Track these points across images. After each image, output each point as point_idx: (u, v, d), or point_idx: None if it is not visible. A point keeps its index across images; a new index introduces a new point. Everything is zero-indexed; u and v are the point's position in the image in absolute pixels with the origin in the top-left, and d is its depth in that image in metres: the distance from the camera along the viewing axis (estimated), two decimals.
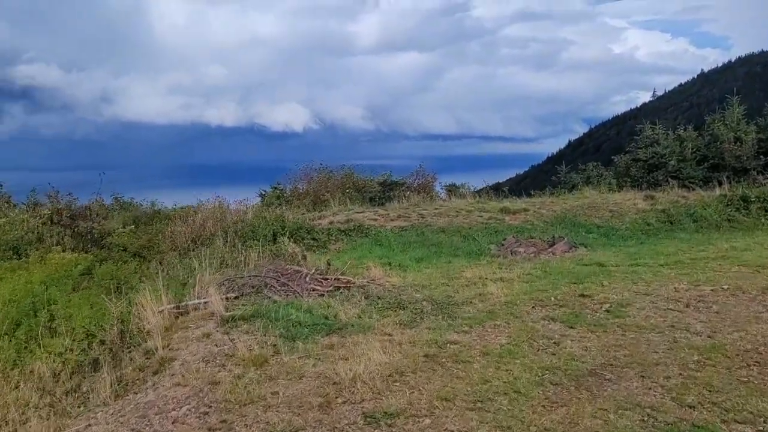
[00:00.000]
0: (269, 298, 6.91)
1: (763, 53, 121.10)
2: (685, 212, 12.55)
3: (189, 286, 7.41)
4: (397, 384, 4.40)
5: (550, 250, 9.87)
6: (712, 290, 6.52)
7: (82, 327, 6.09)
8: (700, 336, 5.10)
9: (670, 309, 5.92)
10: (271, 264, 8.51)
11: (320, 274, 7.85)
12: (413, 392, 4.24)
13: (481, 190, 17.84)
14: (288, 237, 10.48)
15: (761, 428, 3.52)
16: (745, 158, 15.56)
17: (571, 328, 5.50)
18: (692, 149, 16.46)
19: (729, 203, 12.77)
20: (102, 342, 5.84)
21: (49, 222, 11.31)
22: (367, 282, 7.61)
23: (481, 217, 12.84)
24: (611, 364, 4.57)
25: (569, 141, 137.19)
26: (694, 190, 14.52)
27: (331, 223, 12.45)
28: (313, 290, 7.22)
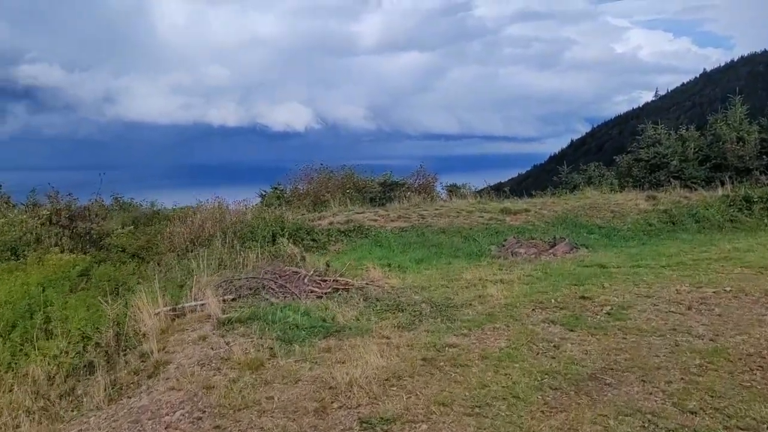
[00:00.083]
0: (267, 300, 6.86)
1: (765, 53, 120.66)
2: (687, 213, 12.47)
3: (186, 287, 7.36)
4: (394, 388, 4.33)
5: (551, 251, 9.80)
6: (714, 292, 6.44)
7: (78, 329, 6.04)
8: (702, 339, 5.02)
9: (672, 311, 5.85)
10: (270, 265, 8.45)
11: (319, 276, 7.79)
12: (410, 397, 4.18)
13: (482, 190, 17.77)
14: (287, 238, 10.42)
15: None
16: (747, 158, 15.45)
17: (572, 331, 5.43)
18: (694, 149, 16.36)
19: (731, 204, 12.69)
20: (98, 345, 5.79)
21: (47, 222, 11.25)
22: (366, 284, 7.55)
23: (482, 217, 12.78)
24: (612, 368, 4.50)
25: (571, 141, 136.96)
26: (696, 190, 14.42)
27: (330, 223, 12.40)
28: (311, 292, 7.17)
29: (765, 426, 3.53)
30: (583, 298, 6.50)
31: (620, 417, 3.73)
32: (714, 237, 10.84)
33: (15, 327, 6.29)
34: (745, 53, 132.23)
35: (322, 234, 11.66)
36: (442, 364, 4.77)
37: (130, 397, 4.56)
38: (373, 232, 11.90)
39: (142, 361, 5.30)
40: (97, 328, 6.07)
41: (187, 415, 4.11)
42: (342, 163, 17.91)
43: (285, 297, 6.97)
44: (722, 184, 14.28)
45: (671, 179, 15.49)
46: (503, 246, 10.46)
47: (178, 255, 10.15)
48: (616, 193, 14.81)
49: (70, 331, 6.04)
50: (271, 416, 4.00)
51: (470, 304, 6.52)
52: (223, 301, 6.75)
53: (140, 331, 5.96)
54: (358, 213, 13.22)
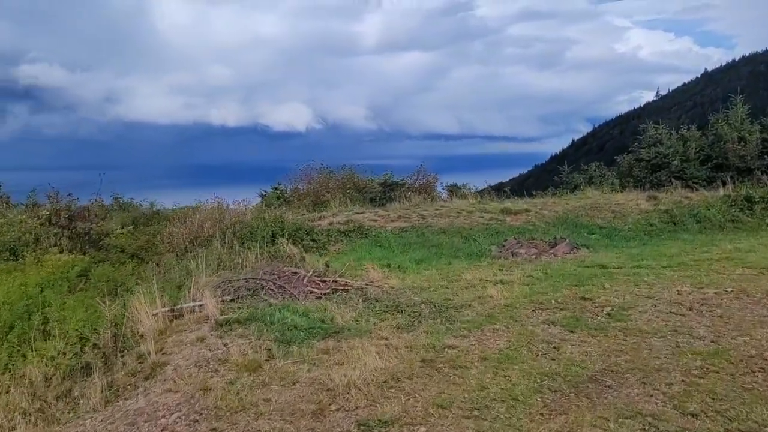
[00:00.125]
0: (265, 300, 6.83)
1: (767, 52, 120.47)
2: (688, 213, 12.41)
3: (185, 288, 7.33)
4: (393, 390, 4.30)
5: (551, 251, 9.75)
6: (715, 293, 6.40)
7: (75, 330, 6.01)
8: (703, 341, 4.98)
9: (673, 312, 5.81)
10: (269, 266, 8.42)
11: (318, 276, 7.76)
12: (409, 399, 4.14)
13: (482, 190, 17.72)
14: (287, 238, 10.38)
15: None
16: (749, 158, 15.39)
17: (572, 332, 5.40)
18: (696, 149, 16.31)
19: (733, 204, 12.63)
20: (95, 346, 5.76)
21: (47, 223, 11.23)
22: (366, 284, 7.52)
23: (482, 217, 12.73)
24: (612, 370, 4.46)
25: (573, 140, 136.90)
26: (697, 190, 14.37)
27: (330, 223, 12.36)
28: (311, 293, 7.14)
29: (767, 429, 3.49)
30: (583, 298, 6.47)
31: (620, 419, 3.69)
32: (715, 237, 10.78)
33: (12, 328, 6.27)
34: (747, 53, 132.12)
35: (322, 234, 11.62)
36: (441, 365, 4.74)
37: (127, 399, 4.54)
38: (373, 232, 11.86)
39: (140, 363, 5.28)
40: (95, 329, 6.04)
41: (183, 417, 4.08)
42: (343, 163, 17.87)
43: (284, 298, 6.94)
44: (723, 184, 14.22)
45: (672, 179, 15.44)
46: (503, 246, 10.42)
47: (177, 255, 10.12)
48: (617, 193, 14.76)
49: (67, 332, 6.02)
50: (269, 419, 3.96)
51: (470, 305, 6.48)
52: (222, 301, 6.73)
53: (138, 332, 5.93)
54: (358, 213, 13.18)
